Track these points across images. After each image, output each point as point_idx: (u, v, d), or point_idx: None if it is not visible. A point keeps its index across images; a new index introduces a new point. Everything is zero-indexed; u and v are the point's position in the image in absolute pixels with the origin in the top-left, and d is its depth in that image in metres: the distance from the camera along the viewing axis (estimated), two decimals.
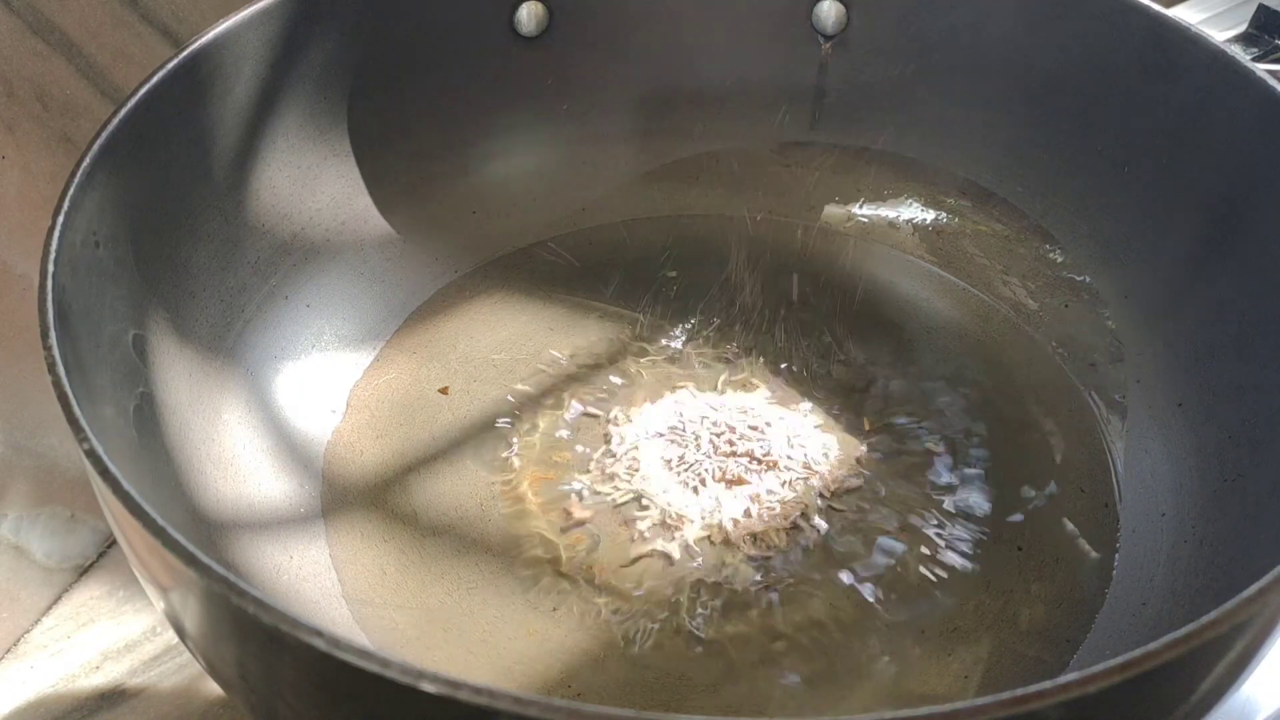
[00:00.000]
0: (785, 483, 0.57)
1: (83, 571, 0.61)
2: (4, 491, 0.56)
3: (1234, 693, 0.40)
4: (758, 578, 0.54)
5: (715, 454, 0.58)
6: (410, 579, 0.55)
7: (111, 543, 0.62)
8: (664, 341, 0.64)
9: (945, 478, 0.59)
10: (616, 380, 0.62)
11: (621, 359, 0.64)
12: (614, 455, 0.59)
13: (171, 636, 0.55)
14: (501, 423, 0.61)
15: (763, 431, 0.58)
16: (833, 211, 0.73)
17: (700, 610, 0.53)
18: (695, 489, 0.57)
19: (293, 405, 0.61)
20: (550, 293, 0.68)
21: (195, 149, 0.57)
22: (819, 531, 0.56)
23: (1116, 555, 0.56)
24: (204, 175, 0.58)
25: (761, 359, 0.64)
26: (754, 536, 0.55)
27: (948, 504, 0.57)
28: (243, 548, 0.53)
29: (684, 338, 0.65)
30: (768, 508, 0.56)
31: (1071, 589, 0.54)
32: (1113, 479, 0.59)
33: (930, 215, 0.72)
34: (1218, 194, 0.59)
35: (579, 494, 0.57)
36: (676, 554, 0.55)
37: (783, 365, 0.63)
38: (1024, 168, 0.69)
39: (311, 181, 0.64)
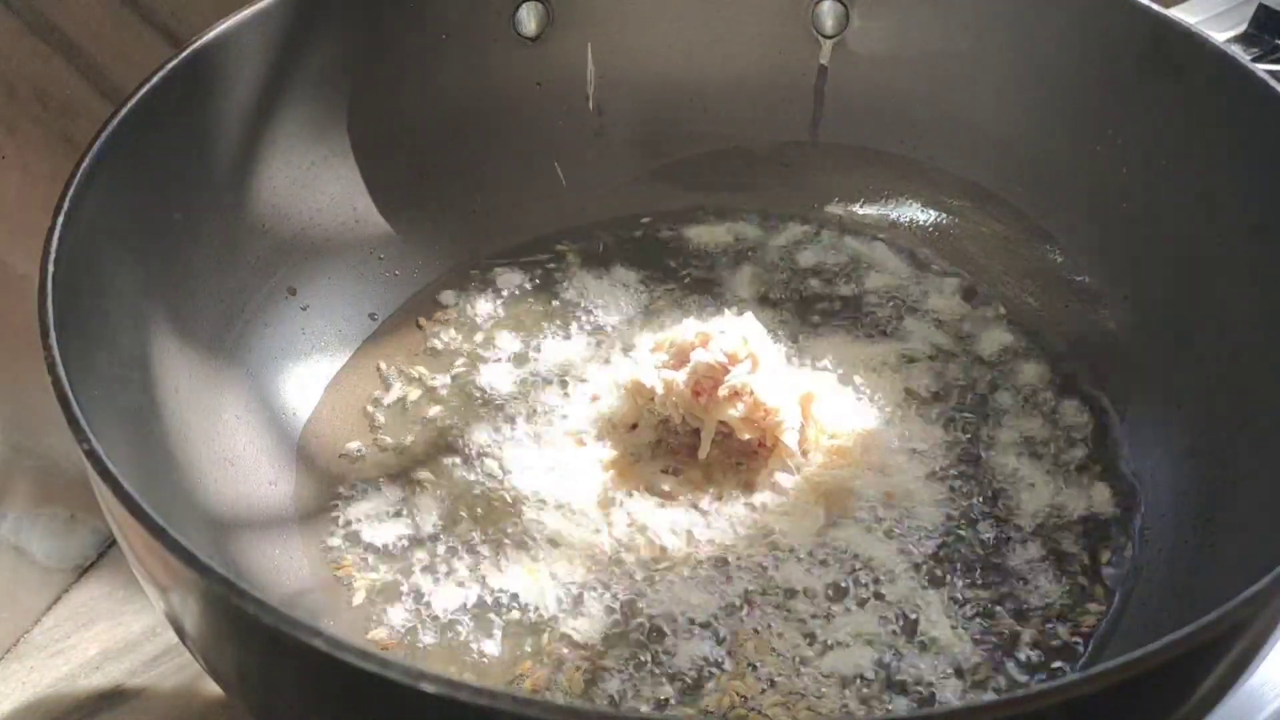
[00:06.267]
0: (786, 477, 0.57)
1: (83, 572, 0.61)
2: (4, 491, 0.56)
3: (1235, 692, 0.40)
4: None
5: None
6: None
7: (111, 543, 0.62)
8: (663, 339, 0.64)
9: (946, 478, 0.59)
10: (617, 377, 0.62)
11: (621, 356, 0.64)
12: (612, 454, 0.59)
13: (171, 636, 0.55)
14: (502, 422, 0.61)
15: (761, 422, 0.58)
16: (833, 211, 0.73)
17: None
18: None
19: (292, 405, 0.61)
20: (551, 292, 0.68)
21: (195, 149, 0.57)
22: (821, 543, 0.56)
23: (1117, 555, 0.56)
24: (204, 175, 0.58)
25: (759, 358, 0.64)
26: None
27: (948, 504, 0.57)
28: (243, 548, 0.53)
29: (683, 334, 0.65)
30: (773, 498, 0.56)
31: (1072, 589, 0.54)
32: (1113, 479, 0.59)
33: (930, 215, 0.72)
34: (1218, 194, 0.59)
35: (570, 499, 0.57)
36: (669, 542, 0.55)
37: (777, 367, 0.63)
38: (1024, 168, 0.69)
39: (311, 181, 0.64)
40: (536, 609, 0.53)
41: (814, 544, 0.55)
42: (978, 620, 0.53)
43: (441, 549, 0.56)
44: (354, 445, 0.60)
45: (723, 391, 0.56)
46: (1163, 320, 0.62)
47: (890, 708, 0.50)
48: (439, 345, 0.65)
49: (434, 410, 0.62)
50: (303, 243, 0.64)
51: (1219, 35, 0.78)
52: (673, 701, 0.50)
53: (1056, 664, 0.52)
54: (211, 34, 0.56)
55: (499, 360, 0.64)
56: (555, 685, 0.51)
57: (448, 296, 0.67)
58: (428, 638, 0.53)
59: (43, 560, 0.59)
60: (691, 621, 0.52)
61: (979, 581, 0.54)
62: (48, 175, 0.56)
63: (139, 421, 0.49)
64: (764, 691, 0.50)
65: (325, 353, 0.64)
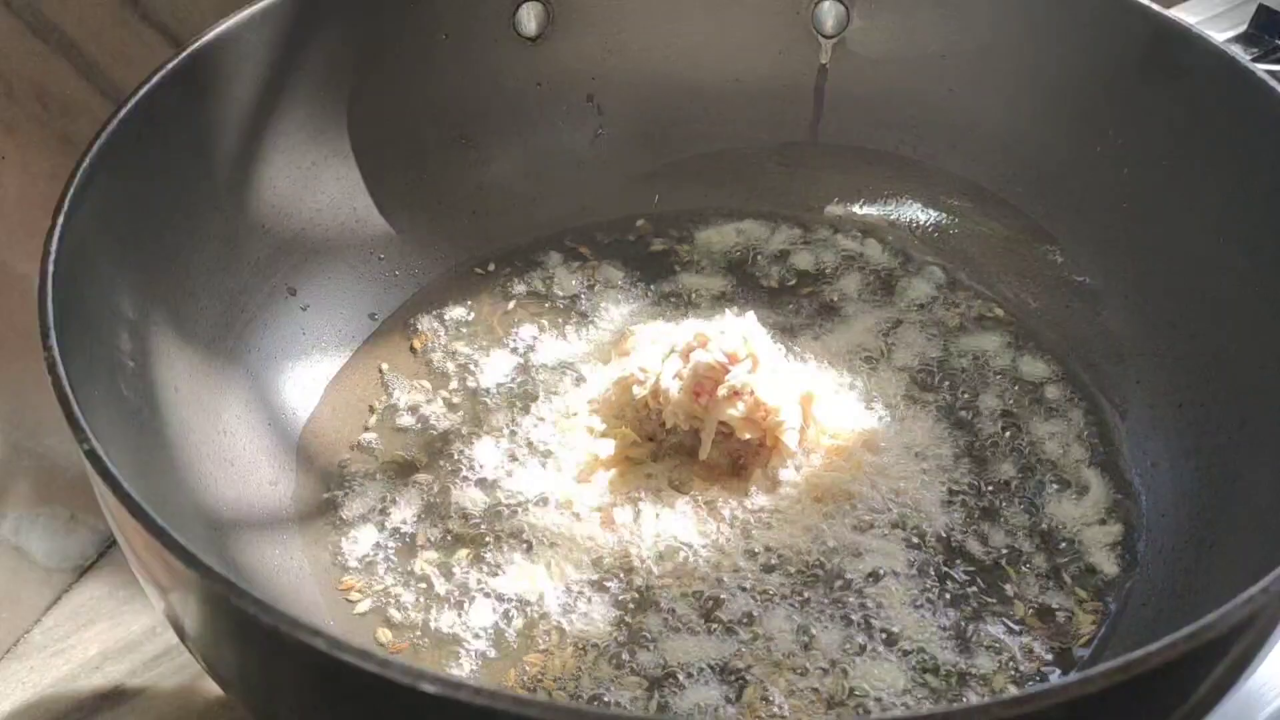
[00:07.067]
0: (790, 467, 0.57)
1: (83, 572, 0.61)
2: (4, 491, 0.56)
3: (1235, 692, 0.40)
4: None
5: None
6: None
7: (111, 543, 0.62)
8: (663, 339, 0.64)
9: (946, 478, 0.59)
10: (615, 376, 0.62)
11: (620, 356, 0.64)
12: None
13: (171, 636, 0.55)
14: (502, 422, 0.61)
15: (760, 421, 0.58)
16: (833, 211, 0.73)
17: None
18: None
19: (292, 405, 0.61)
20: (550, 292, 0.68)
21: (195, 149, 0.57)
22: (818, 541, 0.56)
23: (1116, 556, 0.56)
24: (204, 175, 0.58)
25: (759, 357, 0.63)
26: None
27: (948, 504, 0.57)
28: (243, 548, 0.53)
29: (681, 335, 0.65)
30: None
31: (1072, 590, 0.54)
32: (1113, 479, 0.59)
33: (930, 215, 0.72)
34: (1218, 194, 0.59)
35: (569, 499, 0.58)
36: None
37: (778, 367, 0.63)
38: (1024, 168, 0.69)
39: (311, 181, 0.64)
40: (536, 609, 0.53)
41: (813, 545, 0.55)
42: (978, 621, 0.53)
43: (441, 549, 0.56)
44: (354, 446, 0.60)
45: (723, 391, 0.56)
46: (1163, 320, 0.62)
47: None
48: (437, 346, 0.65)
49: (433, 411, 0.62)
50: (303, 243, 0.64)
51: (1219, 35, 0.78)
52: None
53: (1056, 664, 0.52)
54: (211, 34, 0.56)
55: (498, 361, 0.64)
56: (555, 684, 0.51)
57: (442, 298, 0.67)
58: (428, 637, 0.53)
59: (43, 560, 0.59)
60: (692, 625, 0.52)
61: (979, 581, 0.54)
62: (48, 175, 0.56)
63: (139, 421, 0.49)
64: (768, 703, 0.50)
65: (325, 353, 0.64)
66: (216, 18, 0.57)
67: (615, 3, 0.70)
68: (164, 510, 0.38)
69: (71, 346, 0.43)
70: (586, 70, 0.72)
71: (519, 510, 0.57)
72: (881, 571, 0.54)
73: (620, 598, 0.53)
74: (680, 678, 0.51)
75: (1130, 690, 0.33)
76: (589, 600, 0.53)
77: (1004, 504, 0.58)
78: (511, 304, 0.68)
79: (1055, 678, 0.51)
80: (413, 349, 0.65)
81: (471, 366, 0.64)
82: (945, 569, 0.55)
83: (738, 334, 0.58)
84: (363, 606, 0.54)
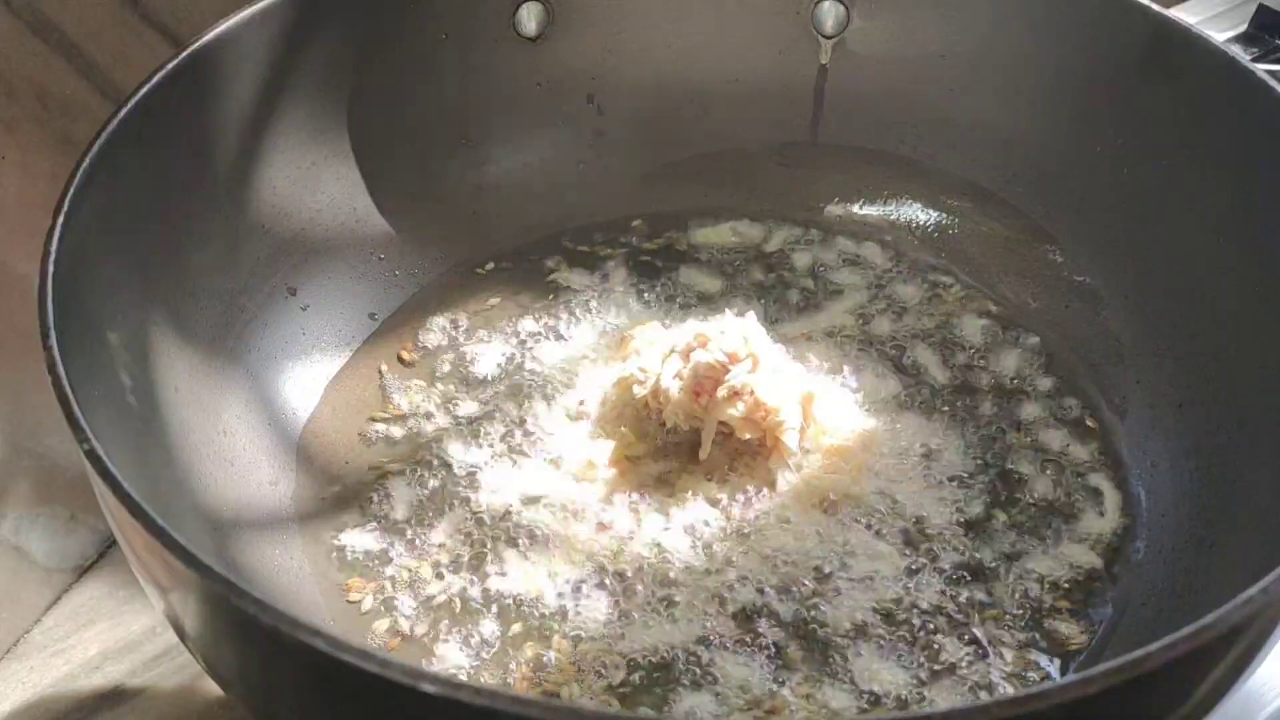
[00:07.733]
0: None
1: (83, 572, 0.61)
2: (4, 491, 0.56)
3: (1235, 692, 0.41)
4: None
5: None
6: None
7: (111, 543, 0.62)
8: (663, 339, 0.64)
9: (946, 479, 0.59)
10: (615, 378, 0.62)
11: (620, 357, 0.64)
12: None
13: (171, 636, 0.55)
14: (502, 423, 0.61)
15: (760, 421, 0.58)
16: (833, 211, 0.73)
17: None
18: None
19: (292, 405, 0.61)
20: (552, 292, 0.68)
21: (195, 149, 0.57)
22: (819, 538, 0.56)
23: (1117, 555, 0.56)
24: (204, 175, 0.58)
25: (759, 357, 0.64)
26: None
27: (948, 505, 0.57)
28: (243, 548, 0.53)
29: (681, 336, 0.65)
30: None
31: (1072, 589, 0.54)
32: (1113, 479, 0.59)
33: (930, 215, 0.72)
34: (1218, 194, 0.59)
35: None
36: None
37: (778, 365, 0.63)
38: (1024, 168, 0.69)
39: (311, 181, 0.64)
40: (536, 609, 0.53)
41: (813, 545, 0.55)
42: (977, 621, 0.53)
43: (440, 549, 0.56)
44: (354, 445, 0.60)
45: (723, 392, 0.56)
46: (1163, 320, 0.62)
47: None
48: (436, 346, 0.65)
49: (433, 410, 0.62)
50: (303, 243, 0.64)
51: (1219, 35, 0.78)
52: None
53: (1056, 664, 0.52)
54: (211, 34, 0.56)
55: (497, 361, 0.64)
56: (555, 684, 0.51)
57: (442, 298, 0.67)
58: (428, 637, 0.53)
59: (43, 560, 0.59)
60: (691, 626, 0.52)
61: (979, 581, 0.54)
62: (48, 175, 0.56)
63: (139, 421, 0.50)
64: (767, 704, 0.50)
65: (325, 353, 0.64)
66: (216, 18, 0.57)
67: (615, 3, 0.70)
68: (164, 510, 0.38)
69: (71, 346, 0.43)
70: (586, 70, 0.72)
71: (519, 510, 0.57)
72: (881, 571, 0.54)
73: (619, 598, 0.53)
74: (680, 678, 0.51)
75: (1130, 690, 0.33)
76: (588, 600, 0.53)
77: (1003, 504, 0.58)
78: (511, 304, 0.68)
79: (1055, 678, 0.51)
80: (400, 359, 0.65)
81: (471, 366, 0.64)
82: (944, 569, 0.55)
83: (738, 334, 0.58)
84: (363, 606, 0.54)
